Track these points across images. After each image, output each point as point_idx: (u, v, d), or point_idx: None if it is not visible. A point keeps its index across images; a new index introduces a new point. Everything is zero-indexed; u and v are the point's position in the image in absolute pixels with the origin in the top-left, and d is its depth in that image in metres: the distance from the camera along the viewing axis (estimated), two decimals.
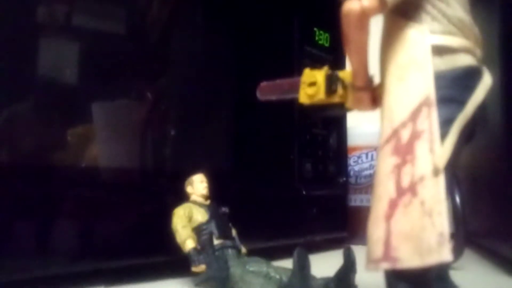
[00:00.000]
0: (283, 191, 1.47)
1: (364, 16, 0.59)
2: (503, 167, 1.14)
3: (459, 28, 0.62)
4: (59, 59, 0.95)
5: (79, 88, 0.99)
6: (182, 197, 1.04)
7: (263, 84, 0.83)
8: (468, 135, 0.56)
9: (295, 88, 0.74)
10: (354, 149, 1.79)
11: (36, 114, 0.92)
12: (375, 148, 1.80)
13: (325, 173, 1.65)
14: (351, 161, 1.79)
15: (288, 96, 0.79)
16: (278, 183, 1.46)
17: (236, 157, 1.34)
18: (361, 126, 1.78)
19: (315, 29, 1.63)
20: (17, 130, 0.89)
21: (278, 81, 0.82)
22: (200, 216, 1.01)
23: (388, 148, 0.54)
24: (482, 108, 0.56)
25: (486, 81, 0.59)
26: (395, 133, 0.55)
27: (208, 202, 1.05)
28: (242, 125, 1.33)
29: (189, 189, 1.06)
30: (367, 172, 1.76)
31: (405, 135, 0.54)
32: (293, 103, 1.65)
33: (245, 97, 1.28)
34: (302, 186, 1.54)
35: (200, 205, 1.03)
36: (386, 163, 0.54)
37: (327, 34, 1.67)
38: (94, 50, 1.01)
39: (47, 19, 0.94)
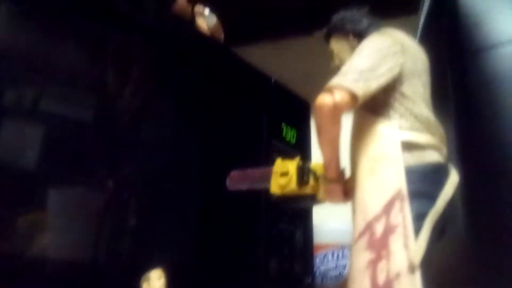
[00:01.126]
0: None
1: (336, 110, 0.61)
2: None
3: (425, 125, 0.65)
4: (20, 141, 0.92)
5: (37, 172, 0.94)
6: None
7: (234, 173, 0.82)
8: (440, 231, 0.55)
9: (267, 178, 0.73)
10: (320, 247, 1.75)
11: None
12: (342, 247, 1.77)
13: (291, 272, 1.59)
14: (317, 261, 1.73)
15: (259, 186, 0.77)
16: (243, 282, 1.38)
17: (198, 252, 1.28)
18: (327, 223, 1.76)
19: (283, 124, 1.68)
20: None
21: (249, 171, 0.81)
22: None
23: (362, 243, 0.52)
24: (451, 204, 0.56)
25: (454, 178, 0.60)
26: (369, 226, 0.53)
27: None
28: (206, 219, 1.29)
29: (145, 286, 0.99)
30: (333, 273, 1.70)
31: (379, 229, 0.52)
32: (260, 197, 1.62)
33: (211, 189, 1.26)
34: (268, 286, 1.46)
35: None
36: (361, 258, 0.51)
37: (294, 131, 1.72)
38: (58, 135, 0.99)
39: (14, 100, 0.92)
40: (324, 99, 0.59)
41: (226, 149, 1.42)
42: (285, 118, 1.70)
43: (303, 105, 1.81)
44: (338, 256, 1.71)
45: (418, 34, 1.72)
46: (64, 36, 1.06)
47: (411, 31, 0.89)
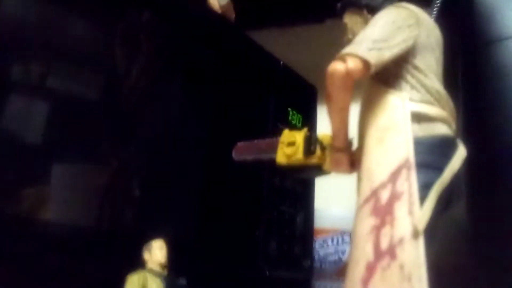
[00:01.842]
0: (246, 269, 1.40)
1: (348, 78, 0.60)
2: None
3: (436, 98, 0.64)
4: (26, 116, 0.92)
5: (42, 146, 0.94)
6: (137, 264, 0.96)
7: (240, 144, 0.82)
8: (445, 202, 0.55)
9: (273, 148, 0.73)
10: (320, 232, 1.75)
11: None
12: (342, 233, 1.78)
13: (290, 254, 1.59)
14: (316, 245, 1.74)
15: (265, 156, 0.77)
16: (242, 260, 1.38)
17: (200, 228, 1.28)
18: (329, 208, 1.76)
19: (289, 109, 1.68)
20: None
21: (255, 141, 0.81)
22: (155, 286, 0.93)
23: (367, 209, 0.53)
24: (458, 177, 0.56)
25: (462, 151, 0.60)
26: (375, 193, 0.53)
27: (165, 272, 0.98)
28: (209, 196, 1.29)
29: (146, 255, 0.99)
30: (332, 258, 1.71)
31: (384, 196, 0.52)
32: (262, 178, 1.62)
33: (215, 167, 1.26)
34: (266, 266, 1.47)
35: (157, 274, 0.95)
36: (365, 223, 0.51)
37: (300, 116, 1.72)
38: (64, 112, 0.98)
39: (21, 76, 0.93)
40: (337, 66, 0.59)
41: (231, 128, 1.43)
42: (292, 102, 1.70)
43: (311, 90, 1.81)
44: (338, 241, 1.72)
45: None
46: (71, 11, 1.06)
47: None
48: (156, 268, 0.96)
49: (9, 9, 0.92)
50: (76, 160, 1.03)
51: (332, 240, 1.73)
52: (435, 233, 0.54)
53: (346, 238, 1.77)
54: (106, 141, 1.11)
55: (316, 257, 1.71)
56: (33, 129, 0.94)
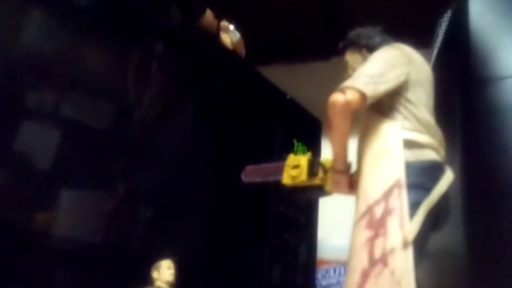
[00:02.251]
0: None
1: (347, 107, 0.68)
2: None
3: (426, 128, 0.72)
4: (37, 143, 0.98)
5: (54, 171, 0.99)
6: (146, 282, 1.01)
7: (249, 167, 0.89)
8: (433, 220, 0.61)
9: (279, 171, 0.80)
10: (323, 262, 1.78)
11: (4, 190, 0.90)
12: (344, 263, 1.80)
13: (293, 282, 1.62)
14: (319, 275, 1.77)
15: (272, 179, 0.84)
16: (246, 284, 1.42)
17: (207, 250, 1.33)
18: (331, 239, 1.80)
19: (294, 140, 1.75)
20: None
21: (263, 165, 0.88)
22: None
23: (363, 223, 0.59)
24: (445, 198, 0.62)
25: (449, 175, 0.67)
26: (370, 209, 0.60)
27: None
28: (216, 222, 1.34)
29: (155, 274, 1.04)
30: None
31: (378, 211, 0.59)
32: (267, 207, 1.67)
33: (222, 196, 1.31)
34: None
35: None
36: (360, 236, 0.57)
37: (304, 146, 1.78)
38: (75, 140, 1.04)
39: (36, 105, 0.98)
40: (337, 97, 0.67)
41: (239, 157, 1.49)
42: (297, 133, 1.77)
43: (315, 123, 1.89)
44: (340, 272, 1.74)
45: (431, 66, 1.81)
46: (89, 43, 1.12)
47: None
48: (164, 286, 1.00)
49: (27, 40, 0.98)
50: (89, 183, 1.08)
51: (335, 271, 1.76)
52: (424, 247, 0.60)
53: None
54: (119, 166, 1.16)
55: (318, 286, 1.73)
56: (47, 155, 1.00)
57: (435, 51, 1.96)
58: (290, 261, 1.65)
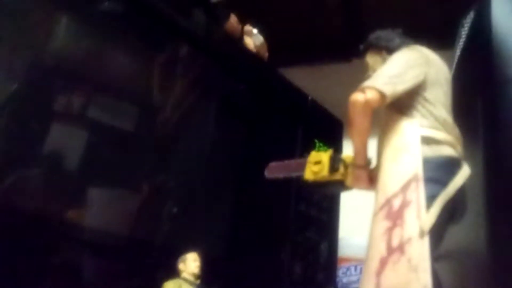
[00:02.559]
0: None
1: (367, 106, 0.72)
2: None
3: (443, 125, 0.75)
4: (65, 143, 1.02)
5: (78, 173, 1.03)
6: (173, 273, 1.06)
7: (272, 164, 0.93)
8: (450, 213, 0.65)
9: (301, 167, 0.85)
10: (344, 260, 1.81)
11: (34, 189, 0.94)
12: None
13: (314, 279, 1.65)
14: (340, 273, 1.79)
15: (294, 174, 0.88)
16: (268, 279, 1.46)
17: (231, 246, 1.37)
18: (352, 237, 1.82)
19: (315, 141, 1.78)
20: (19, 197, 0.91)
21: (286, 162, 0.92)
22: None
23: (382, 214, 0.63)
24: (461, 191, 0.66)
25: (466, 170, 0.70)
26: (388, 202, 0.63)
27: (198, 281, 1.07)
28: (240, 219, 1.39)
29: (181, 266, 1.09)
30: (355, 286, 1.76)
31: (396, 203, 0.62)
32: (289, 204, 1.70)
33: (245, 194, 1.35)
34: None
35: (190, 283, 1.05)
36: (379, 226, 0.61)
37: (325, 147, 1.81)
38: (101, 141, 1.08)
39: (64, 106, 1.03)
40: (358, 96, 0.71)
41: (262, 157, 1.53)
42: (319, 134, 1.80)
43: (337, 124, 1.91)
44: (361, 270, 1.76)
45: (454, 67, 1.81)
46: (116, 46, 1.17)
47: (447, 64, 1.00)
48: (190, 277, 1.03)
49: (56, 44, 1.03)
50: (119, 180, 1.13)
51: (356, 269, 1.78)
52: (441, 239, 0.63)
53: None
54: (147, 164, 1.21)
55: (339, 284, 1.76)
56: (79, 154, 1.05)
57: (457, 52, 1.96)
58: (312, 258, 1.68)
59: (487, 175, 1.31)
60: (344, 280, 1.76)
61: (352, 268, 1.78)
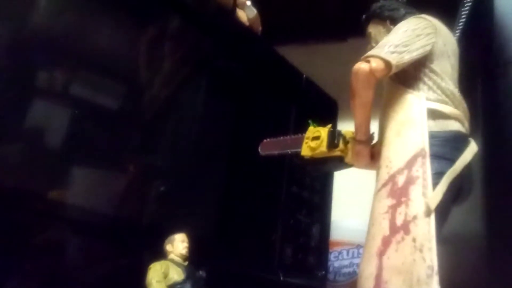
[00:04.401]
0: (261, 271, 1.43)
1: (371, 76, 0.67)
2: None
3: (450, 99, 0.70)
4: (48, 119, 0.95)
5: (62, 150, 0.96)
6: (160, 254, 1.01)
7: (266, 140, 0.88)
8: (456, 190, 0.60)
9: (298, 143, 0.79)
10: (336, 244, 1.78)
11: (20, 164, 0.88)
12: (357, 246, 1.79)
13: (305, 262, 1.62)
14: (331, 257, 1.76)
15: (290, 151, 0.83)
16: (258, 261, 1.42)
17: (220, 227, 1.33)
18: (345, 220, 1.79)
19: (310, 120, 1.73)
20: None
21: (281, 138, 0.87)
22: (177, 275, 0.98)
23: (384, 191, 0.58)
24: (468, 168, 0.61)
25: (473, 147, 0.65)
26: (392, 178, 0.59)
27: (186, 263, 1.03)
28: (230, 200, 1.34)
29: (168, 247, 1.04)
30: (346, 270, 1.73)
31: (400, 180, 0.57)
32: (281, 185, 1.66)
33: (236, 173, 1.31)
34: (281, 271, 1.50)
35: (178, 264, 1.00)
36: (382, 204, 0.57)
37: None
38: (85, 118, 1.01)
39: (46, 83, 0.96)
40: (361, 65, 0.66)
41: (253, 136, 1.48)
42: (313, 113, 1.75)
43: (332, 104, 1.86)
44: (353, 254, 1.74)
45: None
46: (102, 18, 1.11)
47: None
48: (178, 259, 1.00)
49: (37, 16, 0.97)
50: (105, 158, 1.08)
51: (348, 253, 1.76)
52: (446, 217, 0.59)
53: (362, 252, 1.79)
54: (134, 141, 1.16)
55: (331, 268, 1.73)
56: (62, 132, 0.99)
57: (457, 32, 1.91)
58: (303, 241, 1.64)
59: (486, 158, 1.27)
60: (336, 264, 1.73)
61: (344, 252, 1.76)
